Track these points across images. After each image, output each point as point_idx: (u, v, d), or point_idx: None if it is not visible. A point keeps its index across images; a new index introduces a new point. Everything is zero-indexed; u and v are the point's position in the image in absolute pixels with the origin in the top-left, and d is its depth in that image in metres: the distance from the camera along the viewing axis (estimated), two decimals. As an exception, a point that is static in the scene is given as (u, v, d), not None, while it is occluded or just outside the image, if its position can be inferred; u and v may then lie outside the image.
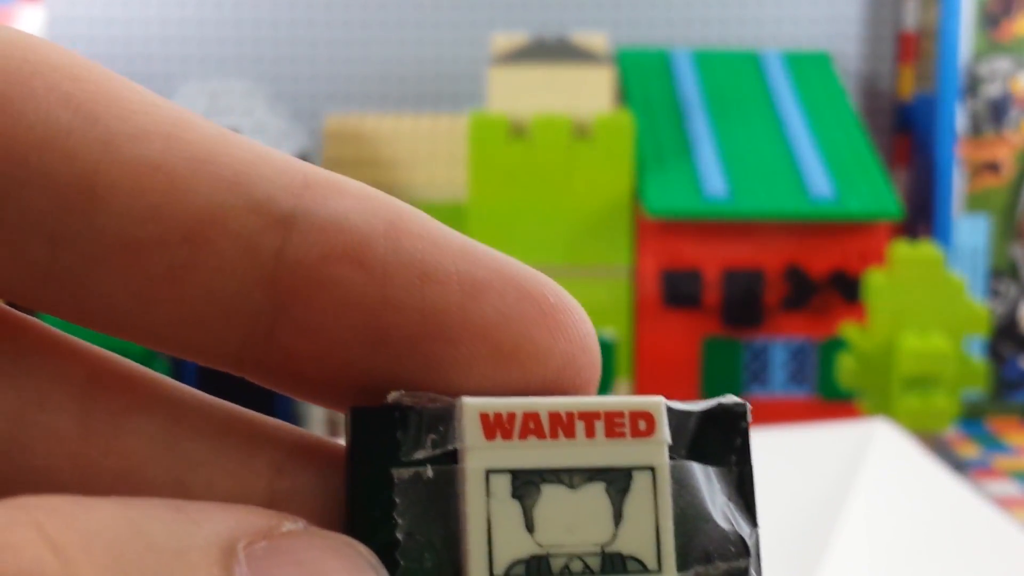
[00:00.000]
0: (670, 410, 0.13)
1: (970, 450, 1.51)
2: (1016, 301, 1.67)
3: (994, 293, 1.66)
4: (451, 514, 0.12)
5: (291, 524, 0.12)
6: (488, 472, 0.12)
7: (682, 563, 0.13)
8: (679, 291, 1.44)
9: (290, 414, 1.30)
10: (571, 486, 0.12)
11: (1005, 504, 1.17)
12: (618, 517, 0.12)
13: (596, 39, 1.57)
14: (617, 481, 0.12)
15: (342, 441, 0.13)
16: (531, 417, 0.12)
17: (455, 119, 1.59)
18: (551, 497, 0.12)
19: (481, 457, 0.12)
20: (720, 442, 0.13)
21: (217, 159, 0.12)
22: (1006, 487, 1.36)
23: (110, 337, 0.13)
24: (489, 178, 1.45)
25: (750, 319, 1.45)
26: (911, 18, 1.76)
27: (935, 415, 1.24)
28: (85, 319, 0.13)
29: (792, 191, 1.44)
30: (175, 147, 0.12)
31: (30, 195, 0.12)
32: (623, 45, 1.68)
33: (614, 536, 0.12)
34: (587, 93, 1.48)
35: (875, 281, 1.28)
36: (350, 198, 0.13)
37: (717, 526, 0.13)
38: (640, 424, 0.13)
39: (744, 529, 0.13)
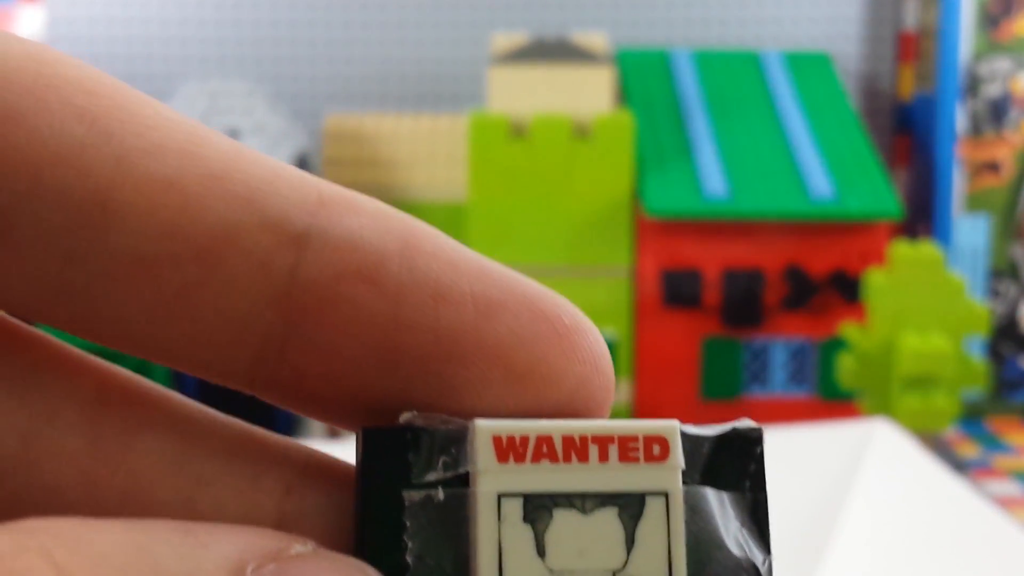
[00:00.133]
0: (684, 435, 0.13)
1: (970, 450, 1.51)
2: (1016, 301, 1.67)
3: (994, 293, 1.66)
4: (462, 537, 0.12)
5: (300, 547, 0.12)
6: (500, 496, 0.12)
7: None
8: (679, 291, 1.44)
9: (291, 425, 1.30)
10: (583, 511, 0.12)
11: (1005, 504, 1.18)
12: (630, 542, 0.12)
13: (596, 39, 1.57)
14: (630, 506, 0.12)
15: (352, 460, 0.13)
16: (544, 440, 0.12)
17: (455, 119, 1.59)
18: (563, 522, 0.12)
19: (493, 480, 0.12)
20: (734, 467, 0.13)
21: (231, 176, 0.12)
22: (1006, 487, 1.36)
23: (119, 352, 0.13)
24: (489, 178, 1.45)
25: (750, 319, 1.45)
26: (911, 18, 1.76)
27: (935, 415, 1.24)
28: (96, 335, 0.12)
29: (792, 191, 1.44)
30: (189, 163, 0.12)
31: (43, 210, 0.12)
32: (623, 45, 1.68)
33: (626, 562, 0.12)
34: (587, 93, 1.48)
35: (875, 281, 1.28)
36: (365, 216, 0.12)
37: (730, 553, 0.13)
38: (654, 449, 0.12)
39: (757, 556, 0.13)
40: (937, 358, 1.22)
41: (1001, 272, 1.66)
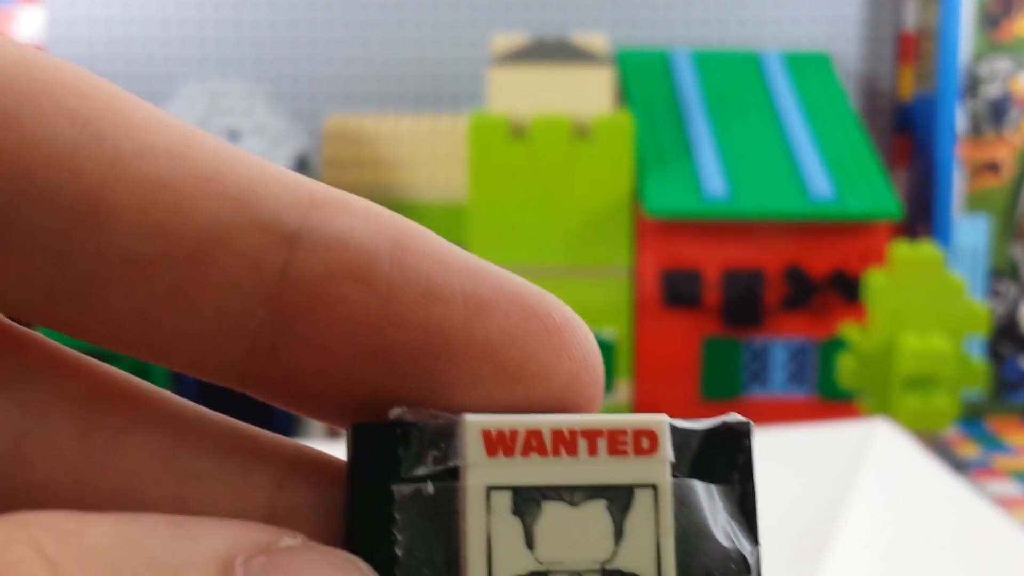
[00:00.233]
0: (673, 428, 0.13)
1: (970, 450, 1.51)
2: (1016, 301, 1.67)
3: (994, 293, 1.66)
4: (451, 531, 0.12)
5: (290, 540, 0.12)
6: (489, 489, 0.12)
7: None
8: (679, 291, 1.44)
9: (290, 425, 1.30)
10: (572, 503, 0.12)
11: (1005, 504, 1.18)
12: (619, 534, 0.12)
13: (596, 39, 1.57)
14: (618, 499, 0.12)
15: (343, 456, 0.13)
16: (533, 434, 0.12)
17: (455, 119, 1.59)
18: (552, 514, 0.12)
19: (482, 474, 0.12)
20: (723, 460, 0.13)
21: (223, 177, 0.12)
22: (1006, 487, 1.36)
23: (112, 352, 0.13)
24: (489, 178, 1.45)
25: (750, 319, 1.45)
26: (911, 18, 1.76)
27: (935, 415, 1.24)
28: (88, 335, 0.13)
29: (792, 191, 1.44)
30: (181, 165, 0.12)
31: (36, 212, 0.12)
32: (623, 45, 1.68)
33: (614, 553, 0.12)
34: (587, 93, 1.48)
35: (875, 281, 1.28)
36: (356, 216, 0.13)
37: (718, 544, 0.13)
38: (643, 442, 0.13)
39: (745, 547, 0.13)
40: (937, 358, 1.22)
41: (1001, 272, 1.67)
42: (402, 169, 1.57)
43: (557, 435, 0.13)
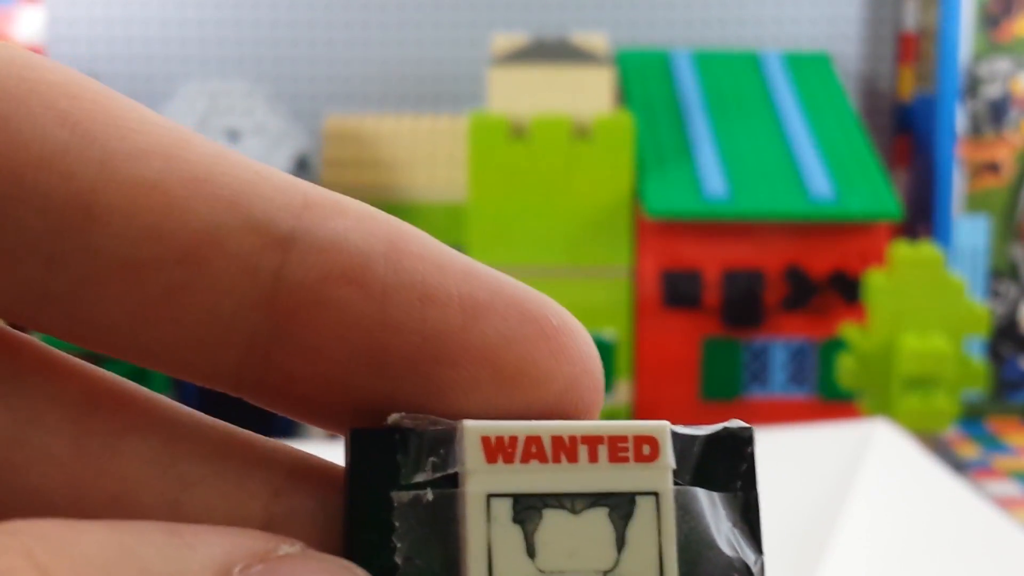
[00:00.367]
0: (675, 435, 0.13)
1: (970, 450, 1.51)
2: (1016, 301, 1.67)
3: (994, 293, 1.66)
4: (451, 538, 0.12)
5: (288, 547, 0.12)
6: (489, 496, 0.12)
7: None
8: (679, 291, 1.44)
9: (291, 429, 1.30)
10: (573, 511, 0.12)
11: (1005, 504, 1.17)
12: (621, 543, 0.12)
13: (596, 39, 1.57)
14: (620, 506, 0.12)
15: (341, 463, 0.13)
16: (533, 441, 0.12)
17: (455, 119, 1.59)
18: (553, 522, 0.12)
19: (482, 481, 0.12)
20: (725, 467, 0.13)
21: (216, 179, 0.12)
22: (1006, 487, 1.36)
23: (106, 356, 0.13)
24: (489, 178, 1.45)
25: (750, 319, 1.45)
26: (911, 18, 1.76)
27: (935, 415, 1.24)
28: (81, 338, 0.12)
29: (792, 191, 1.44)
30: (173, 166, 0.12)
31: (26, 214, 0.12)
32: (623, 45, 1.68)
33: (616, 562, 0.12)
34: (587, 93, 1.48)
35: (875, 281, 1.28)
36: (350, 218, 0.12)
37: (721, 553, 0.13)
38: (644, 449, 0.12)
39: (749, 556, 0.13)
40: (937, 358, 1.22)
41: (1001, 272, 1.66)
42: (402, 169, 1.57)
43: (557, 441, 0.12)
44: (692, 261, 1.44)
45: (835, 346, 1.40)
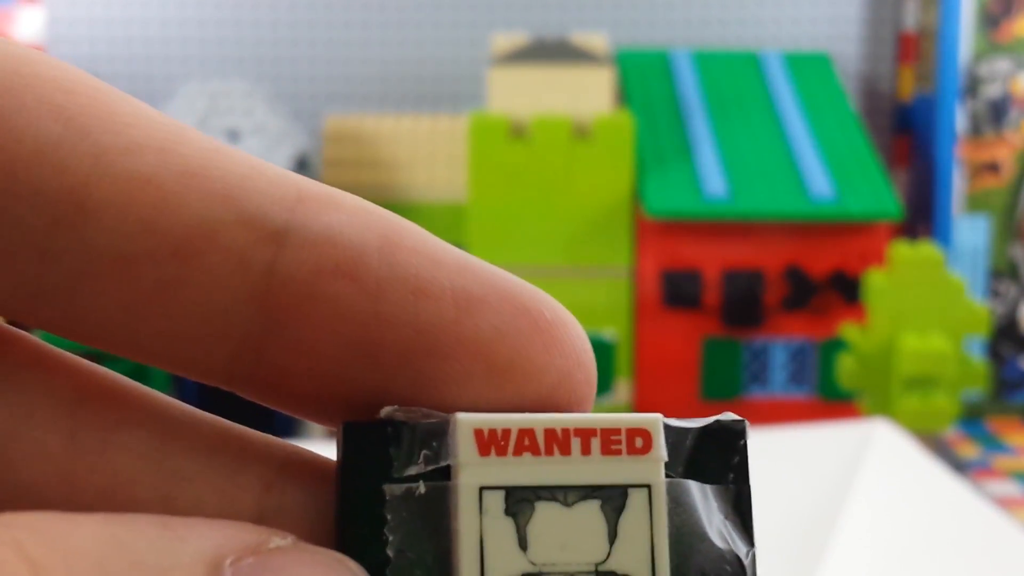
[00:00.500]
0: (667, 427, 0.13)
1: (970, 450, 1.51)
2: (1016, 301, 1.67)
3: (994, 293, 1.66)
4: (443, 531, 0.12)
5: (280, 540, 0.12)
6: (482, 489, 0.12)
7: None
8: (679, 291, 1.44)
9: (290, 425, 1.30)
10: (566, 504, 0.12)
11: (1005, 504, 1.17)
12: (613, 535, 0.12)
13: (596, 39, 1.57)
14: (612, 499, 0.12)
15: (334, 457, 0.13)
16: (526, 434, 0.12)
17: (455, 119, 1.59)
18: (545, 515, 0.12)
19: (475, 473, 0.12)
20: (717, 460, 0.13)
21: (209, 173, 0.12)
22: (1006, 487, 1.36)
23: (100, 351, 0.13)
24: (489, 178, 1.45)
25: (750, 319, 1.45)
26: (911, 18, 1.76)
27: (935, 415, 1.24)
28: (74, 333, 0.12)
29: (792, 191, 1.44)
30: (167, 160, 0.12)
31: (19, 209, 0.11)
32: (623, 45, 1.68)
33: (608, 555, 0.12)
34: (587, 93, 1.48)
35: (875, 281, 1.28)
36: (344, 212, 0.12)
37: (713, 545, 0.13)
38: (637, 441, 0.12)
39: (741, 548, 0.13)
40: (937, 358, 1.22)
41: (1001, 272, 1.66)
42: (402, 169, 1.57)
43: (550, 434, 0.12)
44: (692, 261, 1.44)
45: (835, 346, 1.40)
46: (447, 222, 1.50)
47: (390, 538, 0.12)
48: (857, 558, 0.53)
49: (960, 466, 1.31)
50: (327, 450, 0.14)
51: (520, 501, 0.12)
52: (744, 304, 1.44)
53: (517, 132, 1.44)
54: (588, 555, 0.12)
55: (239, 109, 1.55)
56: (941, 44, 1.65)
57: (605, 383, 1.43)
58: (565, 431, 0.12)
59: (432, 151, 1.57)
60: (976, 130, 1.65)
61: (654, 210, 1.41)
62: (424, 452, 0.12)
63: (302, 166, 1.53)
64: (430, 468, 0.12)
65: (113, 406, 0.13)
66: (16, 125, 0.11)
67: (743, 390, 1.48)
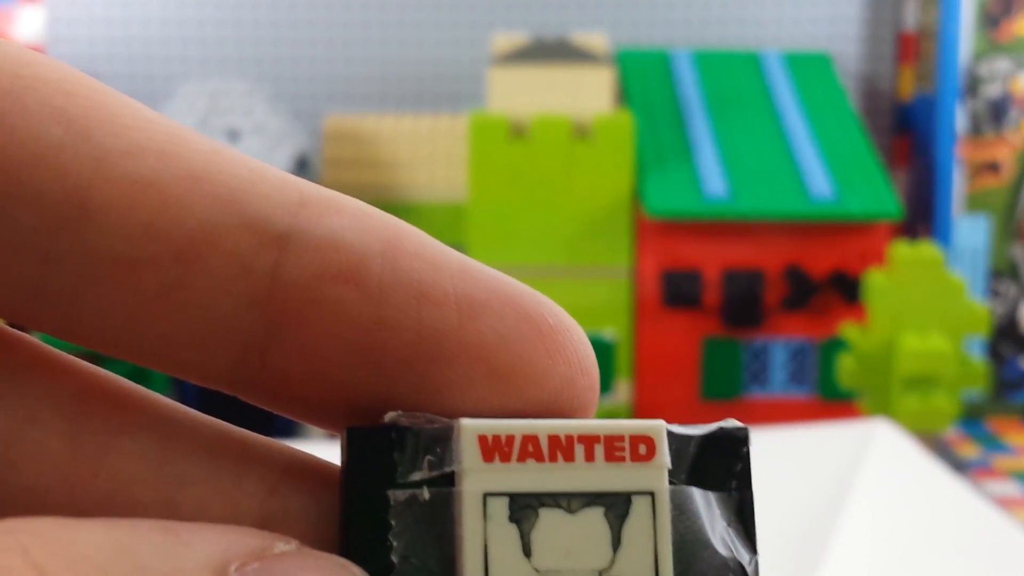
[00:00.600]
0: (670, 434, 0.13)
1: (970, 450, 1.51)
2: (1016, 301, 1.67)
3: (994, 293, 1.66)
4: (447, 537, 0.12)
5: (284, 545, 0.12)
6: (486, 495, 0.12)
7: None
8: (679, 291, 1.44)
9: (291, 427, 1.30)
10: (569, 510, 0.12)
11: (1005, 504, 1.17)
12: (616, 542, 0.12)
13: (596, 39, 1.57)
14: (616, 506, 0.12)
15: (337, 461, 0.13)
16: (530, 440, 0.12)
17: (455, 119, 1.59)
18: (549, 521, 0.12)
19: (479, 480, 0.12)
20: (720, 467, 0.13)
21: (212, 176, 0.12)
22: (1006, 487, 1.36)
23: (101, 354, 0.13)
24: (489, 178, 1.45)
25: (750, 319, 1.45)
26: (911, 18, 1.76)
27: (935, 415, 1.24)
28: (76, 336, 0.12)
29: (792, 191, 1.44)
30: (169, 164, 0.12)
31: (21, 212, 0.11)
32: (623, 45, 1.68)
33: (612, 561, 0.12)
34: (587, 93, 1.48)
35: (875, 281, 1.28)
36: (346, 216, 0.12)
37: (716, 552, 0.13)
38: (640, 448, 0.12)
39: (744, 556, 0.13)
40: (937, 358, 1.22)
41: (1001, 272, 1.66)
42: (402, 169, 1.57)
43: (554, 440, 0.12)
44: (692, 261, 1.44)
45: (835, 346, 1.40)
46: (447, 222, 1.50)
47: (394, 544, 0.12)
48: (857, 558, 0.53)
49: (960, 466, 1.31)
50: (326, 451, 0.14)
51: (524, 507, 0.12)
52: (744, 304, 1.44)
53: (517, 132, 1.44)
54: (592, 562, 0.12)
55: (239, 109, 1.55)
56: (941, 44, 1.65)
57: (605, 383, 1.43)
58: (569, 437, 0.12)
59: (432, 151, 1.57)
60: (976, 130, 1.65)
61: (654, 210, 1.41)
62: (428, 458, 0.12)
63: (302, 166, 1.53)
64: (434, 474, 0.12)
65: (116, 409, 0.13)
66: (18, 128, 0.11)
67: (743, 390, 1.48)
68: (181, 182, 0.12)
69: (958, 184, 1.65)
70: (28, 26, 1.75)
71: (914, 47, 1.75)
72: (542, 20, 1.75)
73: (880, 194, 1.45)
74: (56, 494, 0.12)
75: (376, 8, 1.77)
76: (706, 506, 0.13)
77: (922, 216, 1.68)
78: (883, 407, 1.24)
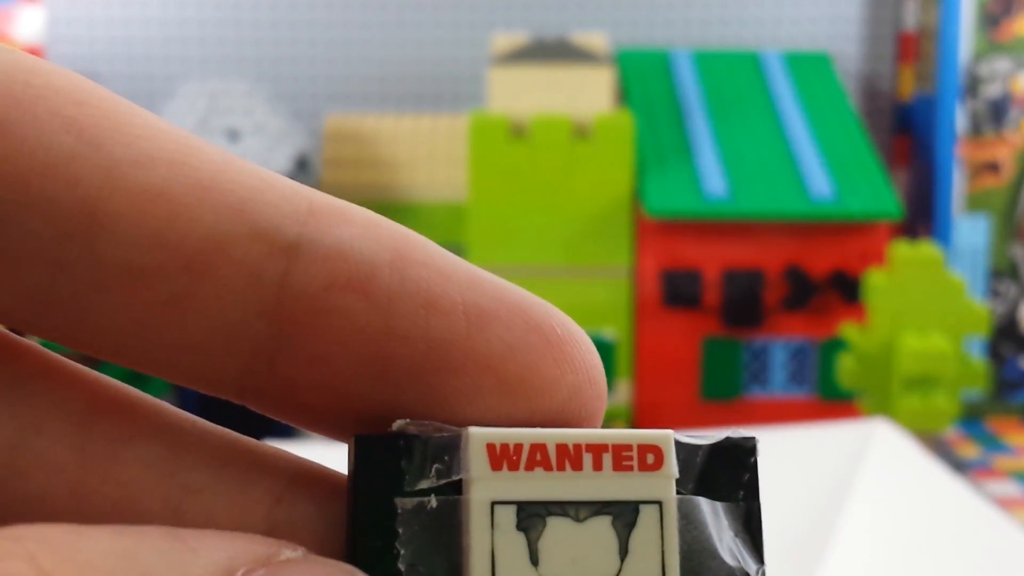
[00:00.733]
0: (678, 443, 0.13)
1: (970, 450, 1.51)
2: (1016, 301, 1.67)
3: (994, 293, 1.66)
4: (455, 545, 0.12)
5: (290, 552, 0.12)
6: (493, 503, 0.12)
7: None
8: (679, 291, 1.44)
9: (290, 436, 1.29)
10: (577, 519, 0.12)
11: (1005, 504, 1.17)
12: (624, 551, 0.12)
13: (596, 39, 1.57)
14: (623, 515, 0.12)
15: (344, 470, 0.13)
16: (538, 448, 0.12)
17: (455, 119, 1.59)
18: (556, 530, 0.12)
19: (486, 488, 0.12)
20: (728, 477, 0.13)
21: (221, 186, 0.12)
22: (1006, 487, 1.36)
23: (108, 362, 0.13)
24: (489, 178, 1.45)
25: (750, 319, 1.45)
26: (911, 18, 1.76)
27: (935, 415, 1.24)
28: (84, 345, 0.12)
29: (792, 191, 1.44)
30: (179, 173, 0.12)
31: (31, 221, 0.12)
32: (623, 45, 1.68)
33: (619, 570, 0.12)
34: (587, 93, 1.48)
35: (875, 281, 1.28)
36: (355, 226, 0.12)
37: (723, 563, 0.13)
38: (648, 458, 0.12)
39: (751, 566, 0.13)
40: (937, 358, 1.22)
41: (1001, 272, 1.66)
42: (402, 169, 1.57)
43: (562, 449, 0.12)
44: (692, 261, 1.44)
45: (835, 346, 1.40)
46: (447, 222, 1.50)
47: (401, 552, 0.12)
48: (857, 558, 0.54)
49: (960, 466, 1.31)
50: (326, 452, 0.14)
51: (531, 516, 0.12)
52: (744, 304, 1.44)
53: (517, 132, 1.44)
54: (599, 571, 0.12)
55: (239, 109, 1.55)
56: (941, 44, 1.65)
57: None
58: (577, 446, 0.12)
59: (432, 151, 1.57)
60: (976, 130, 1.65)
61: (654, 210, 1.41)
62: (436, 466, 0.12)
63: (302, 166, 1.53)
64: (442, 482, 0.12)
65: (123, 418, 0.13)
66: (28, 137, 0.11)
67: (743, 390, 1.48)
68: (191, 191, 0.12)
69: (958, 184, 1.65)
70: (28, 26, 1.75)
71: (914, 47, 1.75)
72: (542, 20, 1.75)
73: (880, 194, 1.45)
74: (63, 502, 0.12)
75: (376, 8, 1.77)
76: (713, 516, 0.13)
77: (922, 216, 1.68)
78: (883, 407, 1.24)
